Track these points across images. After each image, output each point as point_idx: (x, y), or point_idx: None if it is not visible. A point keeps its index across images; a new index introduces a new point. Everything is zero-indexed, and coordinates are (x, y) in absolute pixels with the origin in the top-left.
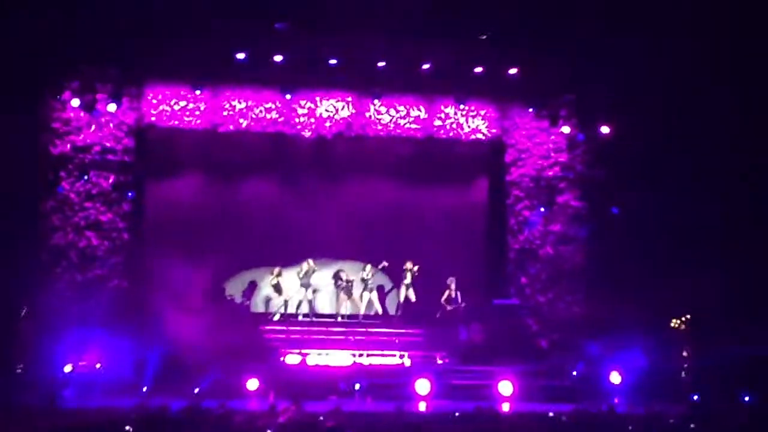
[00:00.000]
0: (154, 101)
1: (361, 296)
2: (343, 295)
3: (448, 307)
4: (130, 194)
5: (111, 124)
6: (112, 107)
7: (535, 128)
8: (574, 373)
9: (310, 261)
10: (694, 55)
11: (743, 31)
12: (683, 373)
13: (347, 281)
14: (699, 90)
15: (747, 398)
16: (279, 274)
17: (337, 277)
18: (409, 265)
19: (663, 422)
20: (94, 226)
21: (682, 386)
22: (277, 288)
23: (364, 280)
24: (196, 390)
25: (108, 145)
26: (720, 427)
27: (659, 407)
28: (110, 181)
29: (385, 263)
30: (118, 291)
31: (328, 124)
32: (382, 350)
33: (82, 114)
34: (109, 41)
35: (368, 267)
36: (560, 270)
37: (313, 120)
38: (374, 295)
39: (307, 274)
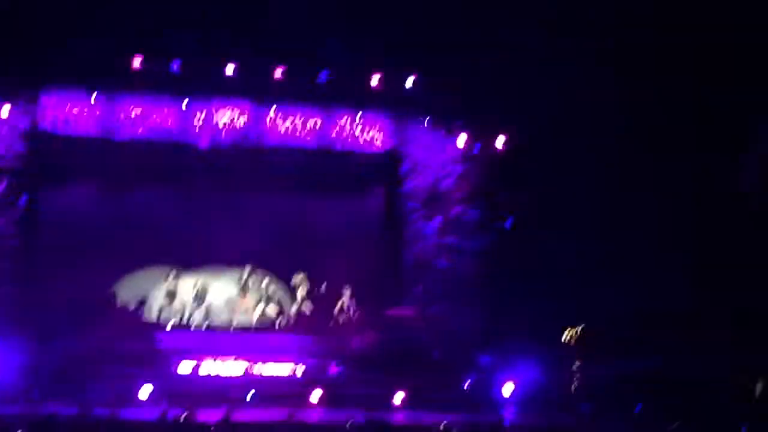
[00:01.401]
0: (49, 107)
1: (257, 306)
2: (237, 298)
3: (342, 317)
4: (22, 200)
5: (3, 129)
6: (4, 112)
7: (431, 139)
8: (467, 384)
9: (207, 268)
10: (588, 57)
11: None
12: (574, 385)
13: (248, 277)
14: (596, 93)
15: (637, 410)
16: (175, 277)
17: (239, 275)
18: (298, 278)
19: None
20: None
21: (574, 398)
22: (171, 294)
23: (261, 293)
24: (87, 397)
25: None
26: None
27: (550, 419)
28: (1, 186)
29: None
30: (7, 297)
31: (224, 134)
32: (275, 360)
33: None
34: (3, 43)
35: (266, 279)
36: (454, 282)
37: (209, 129)
38: (270, 307)
39: (201, 283)
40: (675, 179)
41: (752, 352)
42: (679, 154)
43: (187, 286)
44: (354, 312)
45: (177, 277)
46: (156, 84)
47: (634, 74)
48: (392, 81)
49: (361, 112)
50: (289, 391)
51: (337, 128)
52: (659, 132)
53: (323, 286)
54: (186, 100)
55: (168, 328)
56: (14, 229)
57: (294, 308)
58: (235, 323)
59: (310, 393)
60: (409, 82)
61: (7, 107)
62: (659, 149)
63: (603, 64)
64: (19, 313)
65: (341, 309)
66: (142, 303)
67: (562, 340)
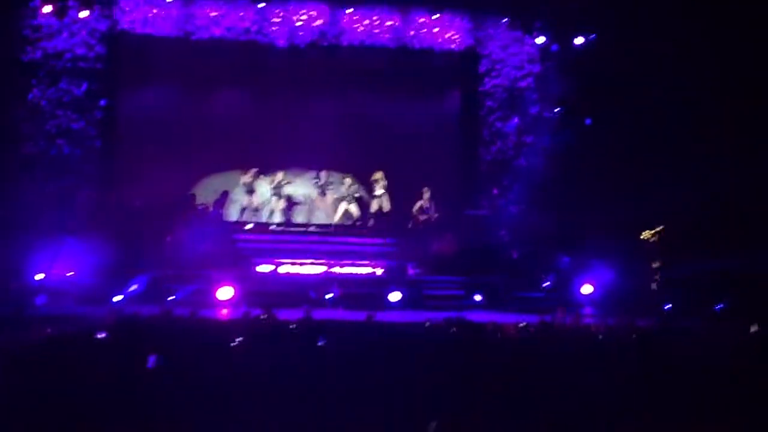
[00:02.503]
0: (127, 8)
1: (338, 206)
2: (317, 198)
3: (421, 218)
4: (102, 102)
5: (83, 31)
6: (83, 14)
7: (509, 39)
8: (546, 284)
9: (286, 168)
10: None
11: None
12: (654, 285)
13: (326, 179)
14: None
15: (719, 308)
16: (254, 178)
17: (317, 177)
18: (378, 175)
19: (633, 332)
20: (66, 134)
21: (653, 298)
22: (251, 194)
23: (342, 192)
24: (170, 298)
25: (80, 52)
26: (691, 336)
27: (630, 318)
28: (82, 88)
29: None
30: (90, 199)
31: (301, 33)
32: (354, 260)
33: (53, 20)
34: None
35: (347, 179)
36: (532, 181)
37: (286, 29)
38: (352, 207)
39: (280, 184)
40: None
41: None
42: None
43: (266, 186)
44: (433, 213)
45: (256, 177)
46: None
47: None
48: None
49: (438, 12)
50: (369, 292)
51: (415, 28)
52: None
53: (402, 187)
54: (263, 1)
55: (248, 228)
56: (95, 131)
57: (374, 207)
58: (314, 223)
59: (388, 293)
60: None
61: (86, 12)
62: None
63: None
64: (101, 215)
65: (420, 210)
66: (221, 204)
67: (641, 239)
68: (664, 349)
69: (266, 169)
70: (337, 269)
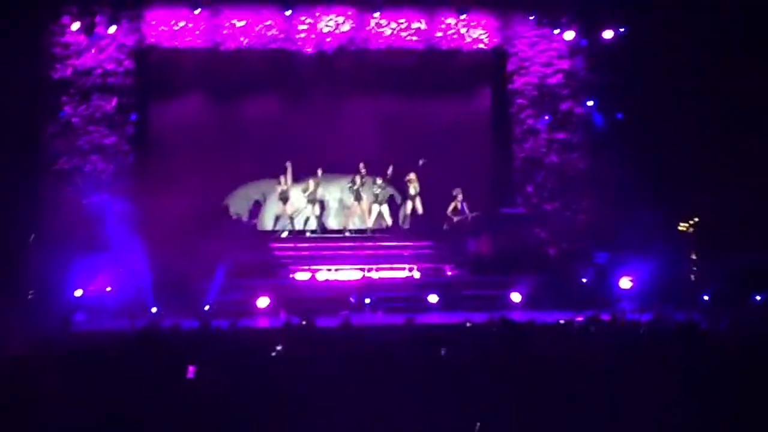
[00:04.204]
0: (154, 22)
1: (371, 209)
2: (353, 204)
3: (455, 219)
4: (133, 116)
5: (111, 47)
6: (111, 29)
7: (536, 36)
8: (584, 280)
9: (318, 175)
10: None
11: None
12: (693, 276)
13: (361, 183)
14: None
15: (758, 298)
16: (288, 185)
17: (352, 181)
18: (411, 176)
19: (673, 325)
20: (99, 150)
21: (692, 290)
22: (285, 202)
23: (374, 194)
24: (206, 308)
25: (109, 68)
26: (731, 327)
27: (670, 311)
28: (113, 104)
29: (390, 169)
30: (124, 213)
31: (329, 39)
32: (391, 264)
33: (81, 37)
34: None
35: (378, 180)
36: (566, 178)
37: (313, 36)
38: (384, 208)
39: (314, 190)
40: None
41: None
42: None
43: (300, 193)
44: (468, 213)
45: (290, 184)
46: None
47: None
48: None
49: (465, 12)
50: (407, 295)
51: (442, 29)
52: None
53: (436, 188)
54: (290, 9)
55: (283, 236)
56: (127, 146)
57: (408, 208)
58: (350, 228)
59: (427, 296)
60: None
61: (113, 27)
62: None
63: None
64: (136, 228)
65: (455, 210)
66: (256, 213)
67: (679, 231)
68: (704, 341)
69: (299, 177)
70: (374, 274)
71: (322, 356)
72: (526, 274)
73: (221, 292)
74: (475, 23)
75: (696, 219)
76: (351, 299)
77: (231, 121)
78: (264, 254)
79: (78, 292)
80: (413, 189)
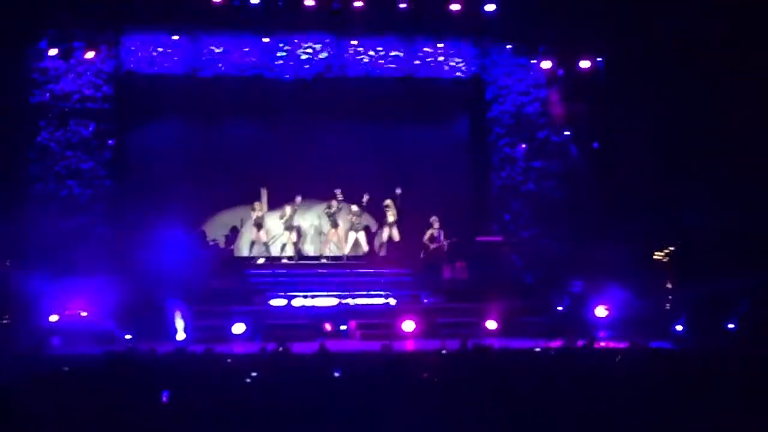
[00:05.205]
0: (132, 48)
1: (347, 236)
2: (329, 230)
3: (432, 246)
4: (110, 142)
5: (89, 72)
6: (89, 55)
7: (514, 64)
8: (560, 308)
9: (296, 201)
10: None
11: None
12: (667, 306)
13: (338, 209)
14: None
15: (731, 326)
16: (264, 211)
17: (328, 206)
18: (388, 202)
19: (648, 353)
20: (76, 175)
21: (667, 319)
22: (260, 228)
23: (350, 221)
24: (182, 336)
25: (87, 93)
26: (704, 355)
27: (644, 340)
28: (90, 129)
29: (366, 197)
30: (102, 239)
31: (307, 66)
32: (368, 291)
33: (60, 63)
34: None
35: (354, 207)
36: (543, 206)
37: (291, 62)
38: (361, 235)
39: (290, 216)
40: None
41: None
42: None
43: (276, 220)
44: (444, 240)
45: (265, 211)
46: (237, 19)
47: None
48: (472, 7)
49: (442, 41)
50: (383, 322)
51: (420, 57)
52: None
53: (413, 216)
54: (268, 36)
55: (259, 262)
56: (104, 171)
57: (385, 236)
58: (326, 255)
59: (403, 323)
60: (489, 7)
61: (91, 53)
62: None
63: None
64: (114, 253)
65: (431, 238)
66: (232, 240)
67: (653, 260)
68: (678, 369)
69: (277, 203)
70: (350, 301)
71: (298, 382)
72: (502, 301)
73: (192, 319)
74: (452, 52)
75: (671, 248)
76: (327, 327)
77: (208, 148)
78: (240, 280)
79: (54, 317)
80: (391, 216)
